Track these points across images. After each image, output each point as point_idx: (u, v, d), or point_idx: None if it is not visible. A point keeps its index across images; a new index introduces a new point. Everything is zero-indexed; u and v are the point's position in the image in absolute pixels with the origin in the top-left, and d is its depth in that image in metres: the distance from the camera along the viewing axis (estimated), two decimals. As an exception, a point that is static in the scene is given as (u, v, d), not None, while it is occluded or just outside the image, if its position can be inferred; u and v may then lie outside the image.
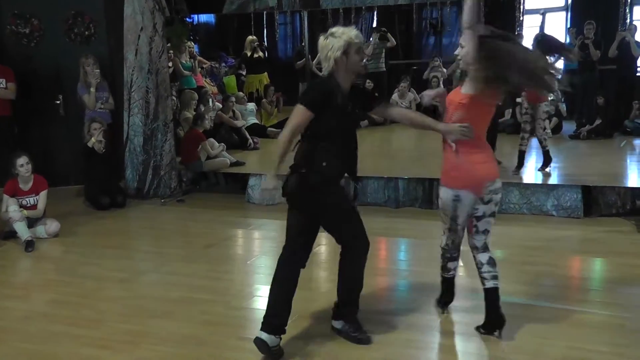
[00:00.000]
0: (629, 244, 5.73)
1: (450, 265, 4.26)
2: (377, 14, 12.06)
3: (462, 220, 3.97)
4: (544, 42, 5.45)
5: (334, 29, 3.81)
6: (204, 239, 6.25)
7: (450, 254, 4.20)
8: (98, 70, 7.67)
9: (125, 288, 5.03)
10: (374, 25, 11.83)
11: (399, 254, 6.02)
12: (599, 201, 6.63)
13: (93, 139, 7.33)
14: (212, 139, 8.50)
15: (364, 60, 4.09)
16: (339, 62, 3.73)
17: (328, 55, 3.73)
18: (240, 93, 10.40)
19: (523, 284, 4.81)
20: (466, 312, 4.42)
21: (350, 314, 4.07)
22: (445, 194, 3.94)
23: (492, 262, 4.00)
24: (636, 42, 9.19)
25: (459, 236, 4.08)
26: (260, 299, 4.81)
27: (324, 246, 6.25)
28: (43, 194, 6.42)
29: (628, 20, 9.58)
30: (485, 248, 4.02)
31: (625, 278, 4.92)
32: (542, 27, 7.31)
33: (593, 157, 8.43)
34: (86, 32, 8.18)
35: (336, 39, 3.72)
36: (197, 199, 7.95)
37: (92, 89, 7.62)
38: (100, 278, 5.26)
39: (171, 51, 8.63)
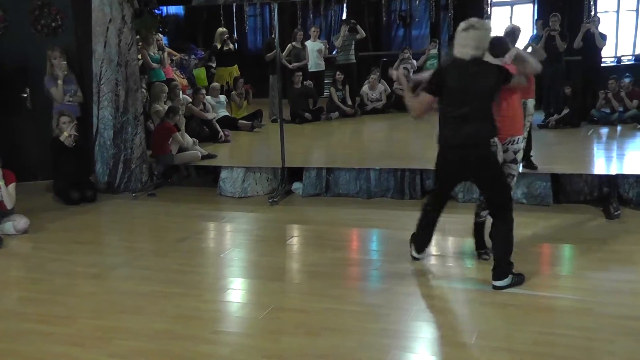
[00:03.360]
0: (596, 230, 5.83)
1: None
2: (346, 6, 12.08)
3: None
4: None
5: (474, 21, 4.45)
6: (176, 233, 6.21)
7: None
8: (65, 63, 7.56)
9: (96, 284, 4.98)
10: (344, 17, 11.84)
11: (371, 245, 6.05)
12: (567, 189, 6.73)
13: (65, 133, 7.24)
14: (183, 131, 8.45)
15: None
16: None
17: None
18: (216, 84, 10.35)
19: (494, 272, 4.86)
20: (439, 298, 4.47)
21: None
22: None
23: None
24: (600, 33, 9.34)
25: None
26: (234, 292, 4.82)
27: (296, 238, 6.27)
28: (11, 186, 6.31)
29: (592, 13, 9.72)
30: None
31: (593, 264, 5.00)
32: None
33: (561, 145, 8.55)
34: (53, 24, 8.06)
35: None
36: (168, 193, 7.90)
37: (60, 82, 7.52)
38: (70, 274, 5.20)
39: (139, 43, 8.54)
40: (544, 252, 5.47)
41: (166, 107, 8.48)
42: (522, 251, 5.20)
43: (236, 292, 4.84)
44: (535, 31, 9.92)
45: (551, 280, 4.78)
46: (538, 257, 5.34)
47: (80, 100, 7.79)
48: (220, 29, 10.83)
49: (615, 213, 6.14)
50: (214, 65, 11.24)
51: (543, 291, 4.49)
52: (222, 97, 10.25)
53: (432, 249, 5.29)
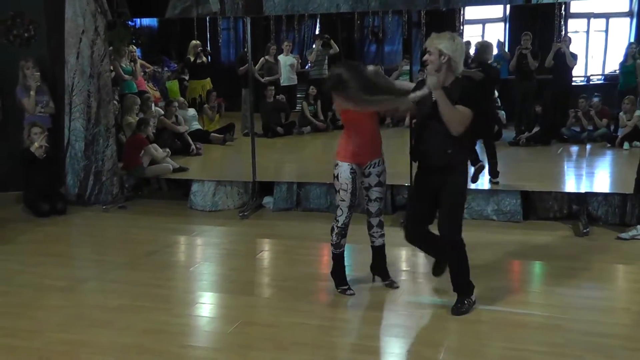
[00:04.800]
0: (566, 247, 5.89)
1: (344, 241, 4.73)
2: (319, 21, 12.11)
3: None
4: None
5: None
6: (146, 246, 6.16)
7: (345, 231, 4.69)
8: (38, 74, 7.51)
9: (64, 297, 4.92)
10: (317, 32, 11.87)
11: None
12: (537, 206, 6.81)
13: (36, 144, 7.17)
14: (155, 144, 8.40)
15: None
16: None
17: None
18: (181, 98, 10.30)
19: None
20: (408, 313, 4.48)
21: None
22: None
23: (381, 224, 4.78)
24: (571, 53, 9.47)
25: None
26: (203, 306, 4.79)
27: (266, 252, 6.26)
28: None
29: (563, 32, 9.87)
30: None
31: (562, 280, 5.05)
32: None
33: (532, 163, 8.62)
34: (26, 34, 7.97)
35: None
36: (139, 205, 7.84)
37: (32, 92, 7.46)
38: (39, 287, 5.13)
39: (112, 55, 8.50)
40: (513, 269, 5.52)
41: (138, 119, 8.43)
42: (491, 267, 5.25)
43: (205, 306, 4.81)
44: (496, 50, 10.03)
45: (520, 297, 4.81)
46: (507, 274, 5.38)
47: (51, 111, 7.72)
48: (194, 42, 10.79)
49: (584, 230, 6.21)
50: (187, 78, 11.21)
51: (512, 307, 4.52)
52: (192, 110, 10.21)
53: (402, 264, 5.33)
